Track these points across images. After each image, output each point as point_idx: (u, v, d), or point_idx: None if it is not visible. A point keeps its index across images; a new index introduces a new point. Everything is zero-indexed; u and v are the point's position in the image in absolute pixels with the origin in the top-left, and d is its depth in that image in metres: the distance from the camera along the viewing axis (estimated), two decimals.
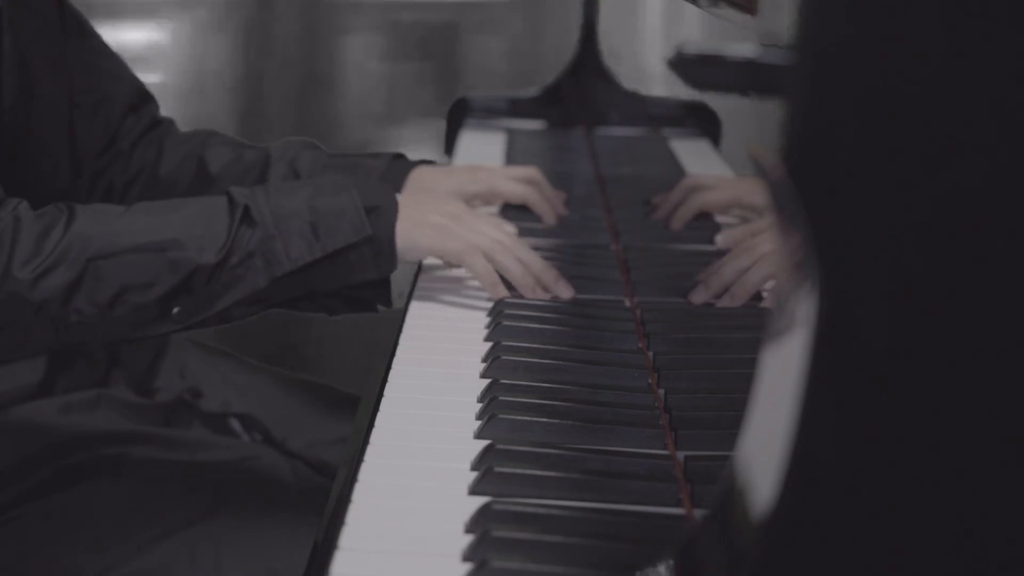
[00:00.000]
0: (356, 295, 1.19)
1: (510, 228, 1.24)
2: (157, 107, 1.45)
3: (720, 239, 1.21)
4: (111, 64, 1.41)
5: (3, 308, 1.05)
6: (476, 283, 1.24)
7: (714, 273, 1.17)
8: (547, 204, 1.39)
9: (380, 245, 1.13)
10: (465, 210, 1.21)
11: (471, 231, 1.18)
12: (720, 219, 1.37)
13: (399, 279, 1.25)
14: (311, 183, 1.16)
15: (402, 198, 1.17)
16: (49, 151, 1.30)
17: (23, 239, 1.06)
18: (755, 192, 1.17)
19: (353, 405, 1.03)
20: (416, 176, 1.36)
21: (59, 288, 1.06)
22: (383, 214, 1.14)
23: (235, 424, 1.39)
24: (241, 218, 1.10)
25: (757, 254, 1.16)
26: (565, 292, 1.19)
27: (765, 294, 1.16)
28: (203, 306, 1.10)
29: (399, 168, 1.36)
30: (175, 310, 1.09)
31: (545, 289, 1.19)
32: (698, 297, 1.17)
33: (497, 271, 1.18)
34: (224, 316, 1.12)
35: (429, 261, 1.32)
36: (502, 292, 1.18)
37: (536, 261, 1.19)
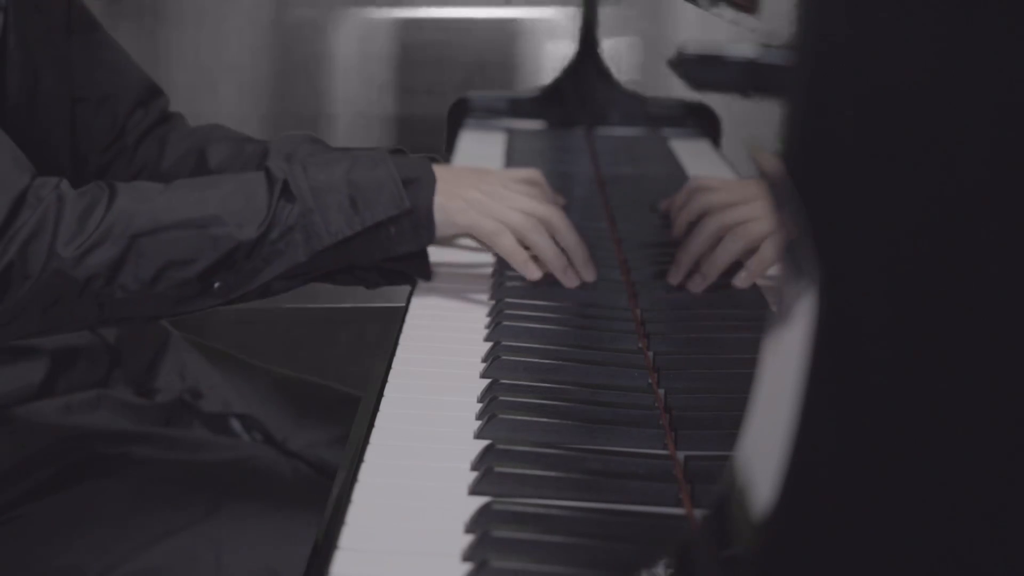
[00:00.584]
0: (394, 268, 1.19)
1: (552, 197, 1.26)
2: (167, 101, 1.45)
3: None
4: (118, 60, 1.41)
5: (48, 287, 1.05)
6: (476, 283, 1.24)
7: (682, 251, 1.19)
8: None
9: (419, 217, 1.14)
10: (503, 183, 1.21)
11: (507, 209, 1.18)
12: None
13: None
14: (347, 156, 1.16)
15: (439, 171, 1.17)
16: (51, 148, 1.30)
17: (66, 217, 1.06)
18: (758, 195, 1.18)
19: (353, 405, 1.03)
20: None
21: (103, 265, 1.06)
22: (421, 186, 1.14)
23: (235, 424, 1.39)
24: (280, 193, 1.10)
25: (722, 227, 1.18)
26: (589, 275, 1.20)
27: (764, 288, 1.16)
28: (244, 281, 1.10)
29: None
30: (216, 285, 1.10)
31: (574, 268, 1.20)
32: (673, 278, 1.19)
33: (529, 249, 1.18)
34: (264, 290, 1.12)
35: (431, 257, 1.32)
36: (534, 272, 1.19)
37: (571, 236, 1.20)
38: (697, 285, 1.19)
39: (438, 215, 1.14)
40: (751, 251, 1.18)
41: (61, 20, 1.32)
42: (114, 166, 1.39)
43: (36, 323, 1.10)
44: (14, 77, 1.21)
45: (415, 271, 1.21)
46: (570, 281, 1.20)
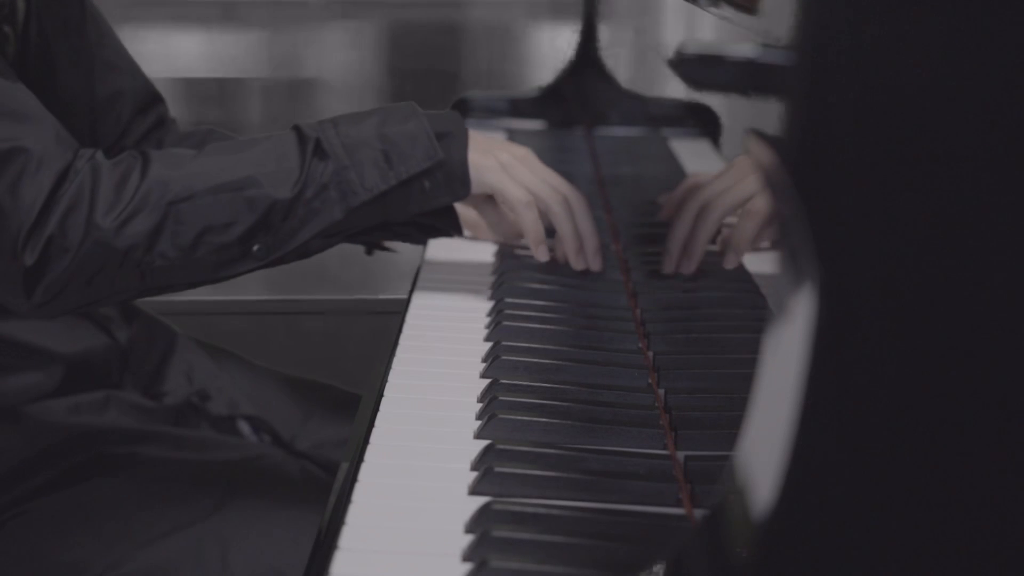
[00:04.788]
0: (429, 223, 1.19)
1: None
2: (167, 108, 1.46)
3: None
4: (126, 63, 1.42)
5: (90, 258, 1.06)
6: (476, 283, 1.24)
7: (669, 237, 1.20)
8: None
9: (453, 169, 1.14)
10: (533, 157, 1.21)
11: (536, 179, 1.18)
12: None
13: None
14: (378, 112, 1.16)
15: (471, 132, 1.17)
16: None
17: (103, 188, 1.07)
18: (748, 175, 1.18)
19: (358, 405, 1.03)
20: None
21: (143, 234, 1.07)
22: (454, 139, 1.14)
23: (243, 426, 1.40)
24: (313, 151, 1.11)
25: (701, 204, 1.18)
26: (596, 265, 1.20)
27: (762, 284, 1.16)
28: (282, 242, 1.11)
29: None
30: (255, 247, 1.10)
31: (584, 255, 1.20)
32: (667, 267, 1.20)
33: (548, 224, 1.19)
34: (303, 250, 1.13)
35: (431, 256, 1.32)
36: (545, 253, 1.20)
37: (588, 222, 1.20)
38: (688, 266, 1.19)
39: (472, 171, 1.14)
40: (732, 224, 1.19)
41: (79, 15, 1.33)
42: None
43: (79, 296, 1.10)
44: (33, 67, 1.22)
45: (447, 226, 1.21)
46: (577, 264, 1.20)
